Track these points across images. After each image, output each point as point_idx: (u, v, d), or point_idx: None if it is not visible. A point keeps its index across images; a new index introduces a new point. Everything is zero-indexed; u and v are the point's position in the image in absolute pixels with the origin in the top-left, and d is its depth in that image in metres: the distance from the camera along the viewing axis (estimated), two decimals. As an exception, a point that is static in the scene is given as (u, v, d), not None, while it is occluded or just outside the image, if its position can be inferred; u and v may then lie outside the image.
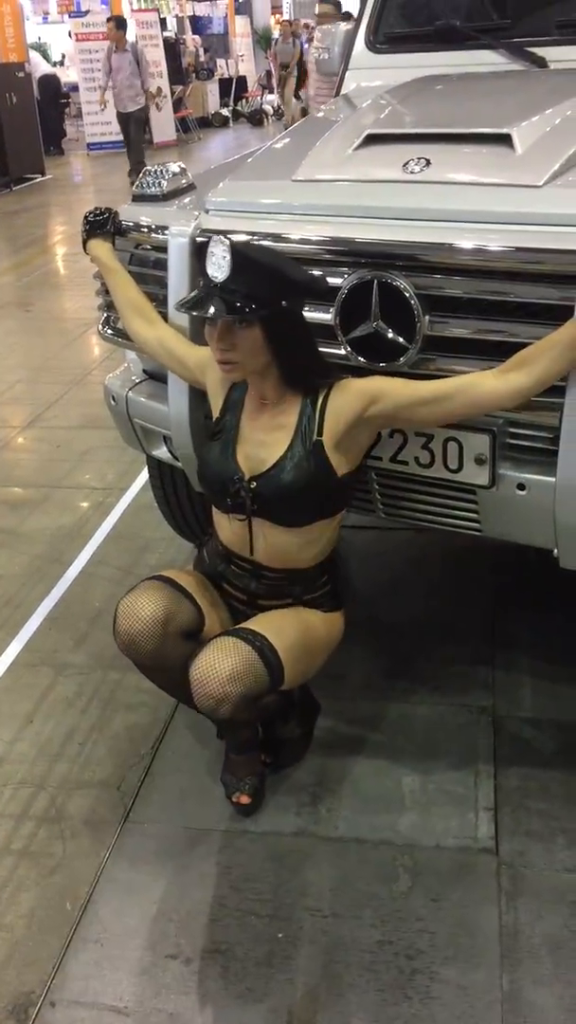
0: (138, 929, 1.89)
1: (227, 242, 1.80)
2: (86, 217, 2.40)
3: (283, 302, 1.85)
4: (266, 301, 1.82)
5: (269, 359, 1.90)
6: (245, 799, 2.14)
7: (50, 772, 2.32)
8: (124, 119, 11.70)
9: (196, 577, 2.14)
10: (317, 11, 8.60)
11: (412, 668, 2.62)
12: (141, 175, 2.52)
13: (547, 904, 1.89)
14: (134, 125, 11.66)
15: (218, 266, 1.80)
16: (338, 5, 8.42)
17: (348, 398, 1.93)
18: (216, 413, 2.08)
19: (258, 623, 1.99)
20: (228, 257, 1.79)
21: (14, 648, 2.81)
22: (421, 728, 2.40)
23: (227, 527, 2.06)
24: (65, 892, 1.97)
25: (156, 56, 14.78)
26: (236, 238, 2.14)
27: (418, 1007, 1.71)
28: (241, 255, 1.81)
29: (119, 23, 11.78)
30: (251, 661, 1.88)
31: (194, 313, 1.86)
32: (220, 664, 1.86)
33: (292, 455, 1.93)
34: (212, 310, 1.81)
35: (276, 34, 18.74)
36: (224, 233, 2.15)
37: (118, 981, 1.79)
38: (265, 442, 1.97)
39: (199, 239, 2.19)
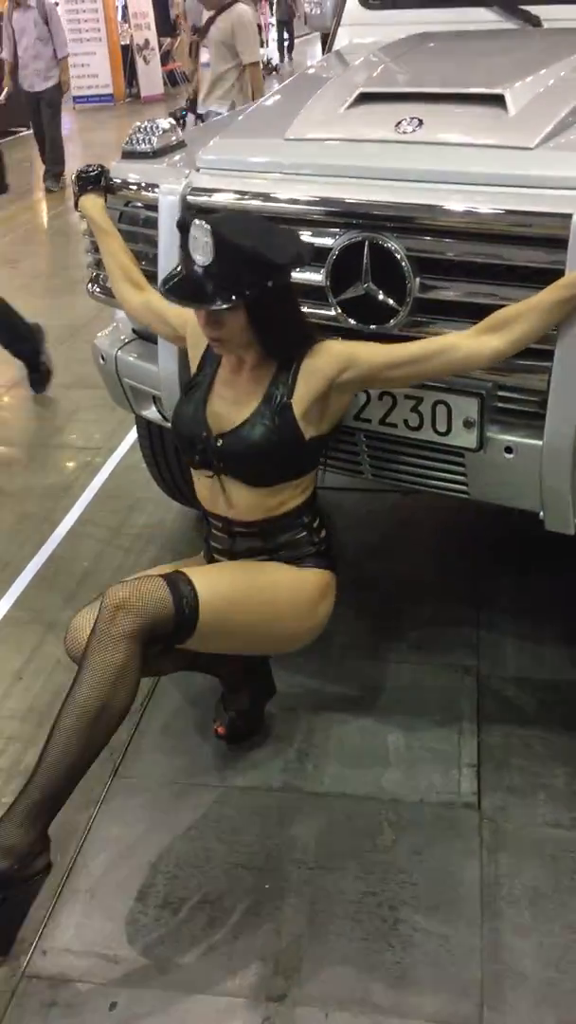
0: (127, 880, 1.93)
1: (208, 227, 1.77)
2: (78, 174, 2.38)
3: (268, 282, 1.82)
4: (250, 284, 1.80)
5: (255, 337, 1.90)
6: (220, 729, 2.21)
7: (39, 729, 2.34)
8: (32, 101, 8.61)
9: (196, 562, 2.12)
10: None
11: (397, 628, 2.65)
12: (131, 131, 2.50)
13: (527, 857, 1.94)
14: (46, 110, 8.65)
15: (201, 251, 1.79)
16: None
17: (321, 363, 1.93)
18: (194, 368, 2.09)
19: (192, 568, 1.96)
20: (210, 241, 1.77)
21: (3, 605, 2.83)
22: (406, 687, 2.44)
23: (199, 483, 2.07)
24: (55, 845, 1.98)
25: (144, 7, 14.50)
26: (226, 197, 2.14)
27: (400, 955, 1.76)
28: (223, 239, 1.77)
29: None
30: (152, 590, 1.81)
31: (180, 302, 1.86)
32: (118, 587, 1.81)
33: (260, 414, 1.93)
34: (196, 299, 1.81)
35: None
36: (215, 191, 2.15)
37: (108, 930, 1.83)
38: (236, 401, 1.97)
39: (189, 198, 2.18)
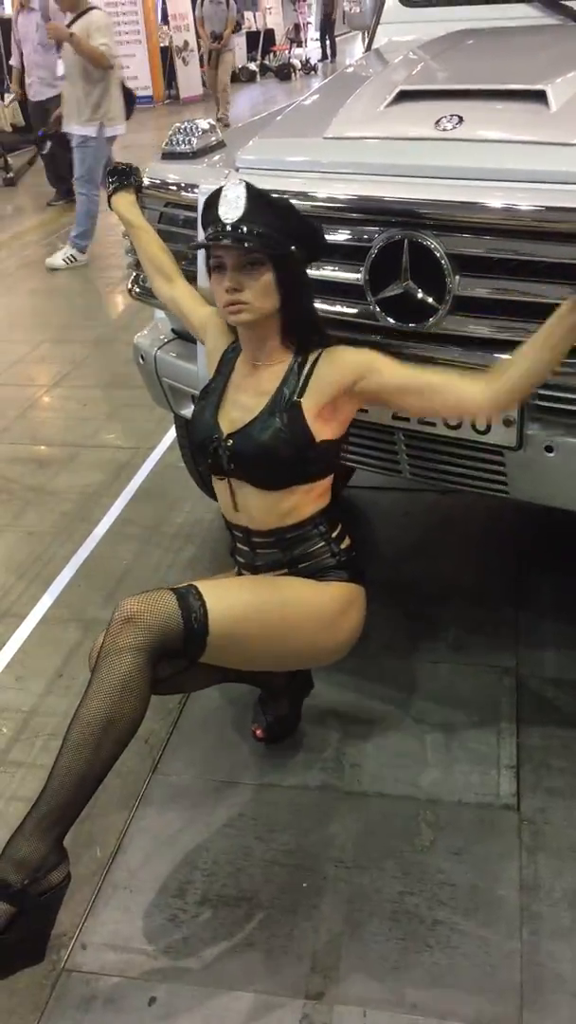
0: (166, 876, 1.95)
1: (242, 182, 1.81)
2: (108, 173, 2.40)
3: (293, 246, 1.85)
4: (278, 242, 1.82)
5: (276, 305, 1.88)
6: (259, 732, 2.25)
7: (80, 725, 2.37)
8: (38, 111, 7.92)
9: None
10: None
11: (436, 628, 2.64)
12: (171, 132, 2.51)
13: (567, 860, 1.93)
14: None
15: (232, 206, 1.80)
16: None
17: (337, 367, 1.90)
18: (210, 374, 2.09)
19: (208, 582, 1.93)
20: (242, 197, 1.80)
21: (44, 603, 2.86)
22: (444, 687, 2.42)
23: (218, 490, 2.05)
24: (95, 840, 2.03)
25: (183, 8, 14.58)
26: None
27: (439, 956, 1.76)
28: (255, 192, 1.82)
29: None
30: (161, 603, 1.78)
31: (211, 244, 1.84)
32: (128, 600, 1.80)
33: (269, 413, 1.91)
34: (227, 242, 1.80)
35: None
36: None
37: (147, 925, 1.85)
38: (247, 405, 1.95)
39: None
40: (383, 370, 1.89)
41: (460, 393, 1.84)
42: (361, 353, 1.92)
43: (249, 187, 1.81)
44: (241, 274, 1.83)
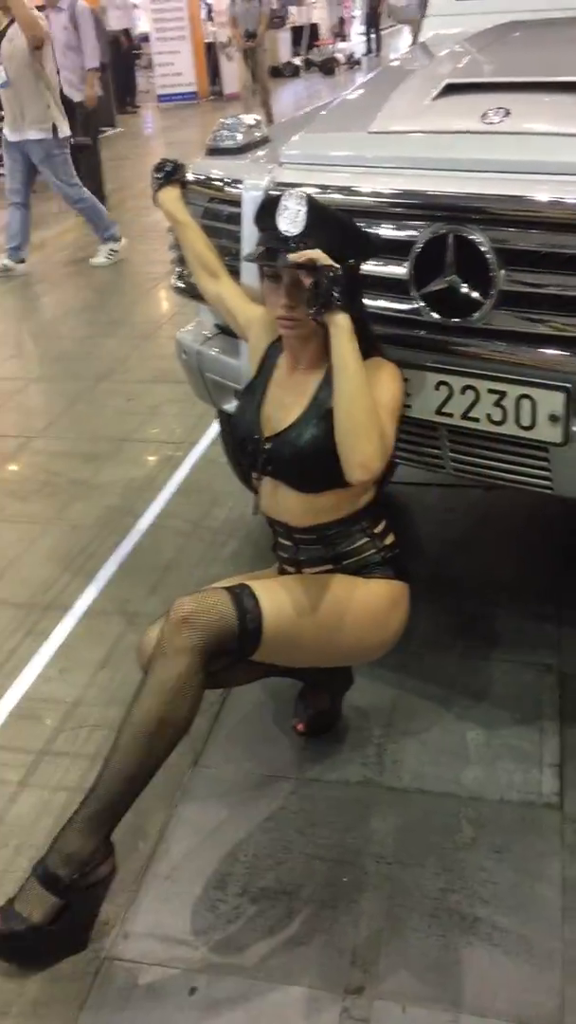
0: (207, 868, 1.96)
1: (304, 196, 1.80)
2: (154, 169, 2.41)
3: (351, 259, 1.84)
4: (335, 258, 1.80)
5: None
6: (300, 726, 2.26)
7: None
8: (70, 111, 7.29)
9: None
10: None
11: (478, 625, 2.63)
12: (216, 127, 2.52)
13: (610, 860, 1.91)
14: (85, 124, 7.88)
15: (291, 220, 1.79)
16: None
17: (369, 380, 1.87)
18: (253, 371, 2.09)
19: (258, 580, 1.93)
20: (304, 210, 1.79)
21: (88, 596, 2.89)
22: (486, 684, 2.41)
23: (259, 487, 2.06)
24: (137, 831, 2.04)
25: (226, 4, 14.59)
26: (310, 191, 2.14)
27: (479, 953, 1.75)
28: (317, 208, 1.80)
29: None
30: (217, 603, 1.79)
31: (270, 264, 1.84)
32: (184, 600, 1.80)
33: (306, 419, 1.91)
34: (285, 261, 1.79)
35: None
36: (298, 186, 2.15)
37: (188, 916, 1.86)
38: (286, 404, 1.95)
39: (272, 192, 2.19)
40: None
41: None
42: (393, 380, 1.89)
43: (311, 201, 1.80)
44: (296, 289, 1.83)
